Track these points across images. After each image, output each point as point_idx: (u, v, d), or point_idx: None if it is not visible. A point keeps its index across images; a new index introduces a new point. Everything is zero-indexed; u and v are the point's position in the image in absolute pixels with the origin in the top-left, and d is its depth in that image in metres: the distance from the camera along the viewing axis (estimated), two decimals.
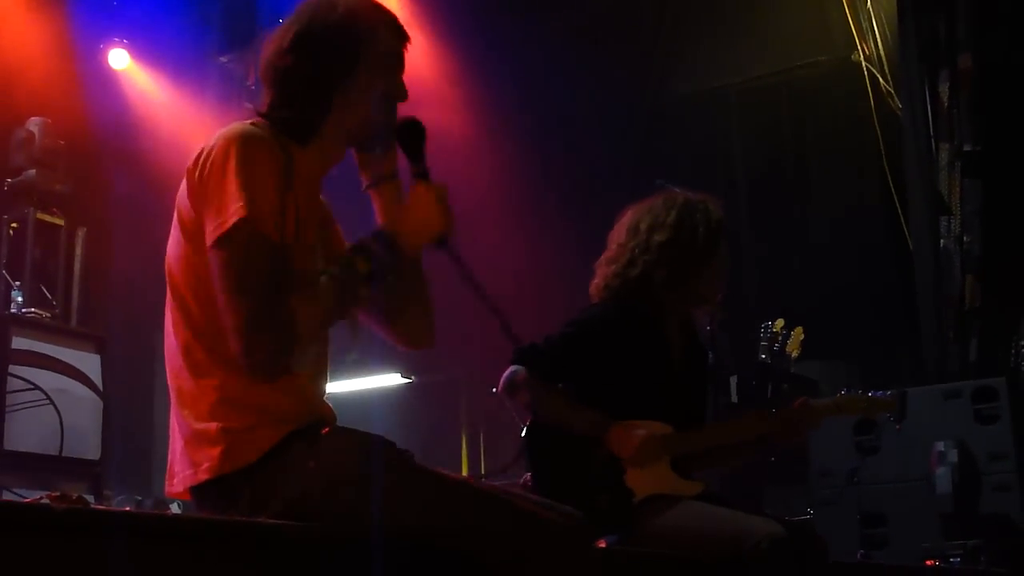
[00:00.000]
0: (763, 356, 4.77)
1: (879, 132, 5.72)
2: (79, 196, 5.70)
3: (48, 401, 4.65)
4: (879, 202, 5.84)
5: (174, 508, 4.64)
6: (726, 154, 6.54)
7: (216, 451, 1.72)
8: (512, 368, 2.63)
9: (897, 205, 5.56)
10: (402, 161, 1.95)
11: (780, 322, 4.82)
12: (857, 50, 5.86)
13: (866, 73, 5.79)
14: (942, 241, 5.05)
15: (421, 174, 1.89)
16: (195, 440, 1.75)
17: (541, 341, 2.65)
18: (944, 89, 5.12)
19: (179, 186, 1.82)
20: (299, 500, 1.70)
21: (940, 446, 4.11)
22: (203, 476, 1.73)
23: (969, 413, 4.17)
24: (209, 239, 1.72)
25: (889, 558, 4.14)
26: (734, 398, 4.76)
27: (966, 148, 5.02)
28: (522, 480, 2.67)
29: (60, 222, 5.49)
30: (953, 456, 4.07)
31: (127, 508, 4.58)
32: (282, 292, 1.71)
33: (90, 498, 4.49)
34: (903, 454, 4.20)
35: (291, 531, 1.67)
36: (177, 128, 6.49)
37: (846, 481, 4.28)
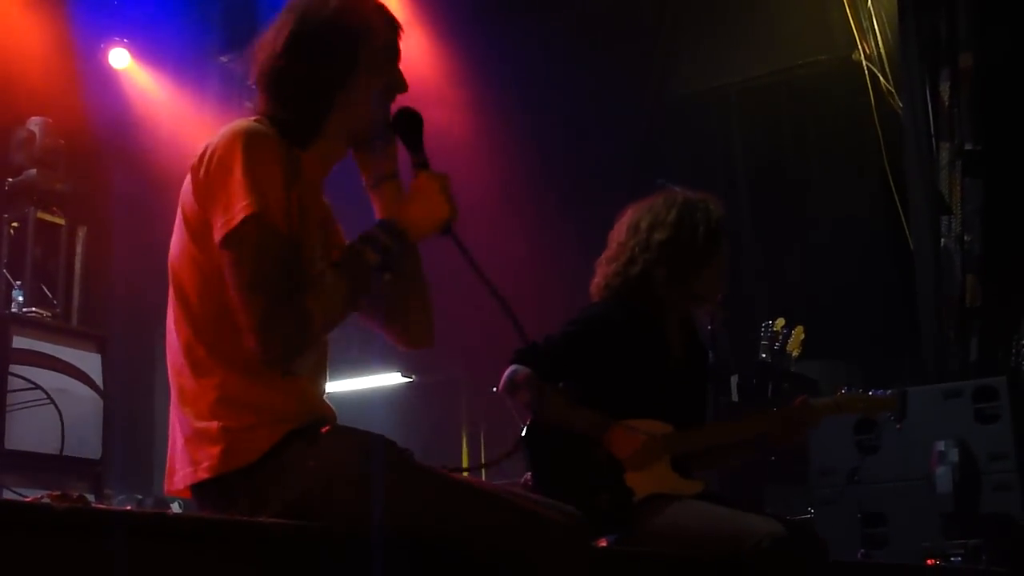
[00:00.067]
0: (763, 355, 4.77)
1: (880, 131, 5.71)
2: (80, 195, 5.70)
3: (49, 400, 4.65)
4: (880, 201, 5.83)
5: (175, 507, 4.64)
6: (726, 153, 6.54)
7: (216, 450, 1.72)
8: (512, 367, 2.63)
9: (898, 204, 5.56)
10: (402, 157, 1.95)
11: (781, 321, 4.82)
12: (858, 49, 5.86)
13: (867, 72, 5.79)
14: (943, 240, 5.05)
15: (422, 164, 1.89)
16: (195, 438, 1.75)
17: (541, 340, 2.65)
18: (945, 88, 5.12)
19: (181, 184, 1.82)
20: (299, 499, 1.70)
21: (940, 445, 4.11)
22: (203, 475, 1.73)
23: (969, 412, 4.17)
24: (218, 236, 1.71)
25: (889, 557, 4.14)
26: (735, 397, 4.76)
27: (967, 147, 5.02)
28: (522, 479, 2.67)
29: (61, 221, 5.49)
30: (953, 455, 4.07)
31: (128, 507, 4.57)
32: (295, 286, 1.71)
33: (91, 497, 4.49)
34: (903, 453, 4.20)
35: (291, 530, 1.67)
36: (177, 127, 6.49)
37: (846, 480, 4.27)
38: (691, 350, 2.85)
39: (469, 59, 6.57)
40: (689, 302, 2.81)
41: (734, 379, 4.81)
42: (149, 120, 6.62)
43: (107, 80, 6.52)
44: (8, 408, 4.49)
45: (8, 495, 4.33)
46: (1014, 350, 4.71)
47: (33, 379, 4.61)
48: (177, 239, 1.82)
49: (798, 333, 4.80)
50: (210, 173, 1.75)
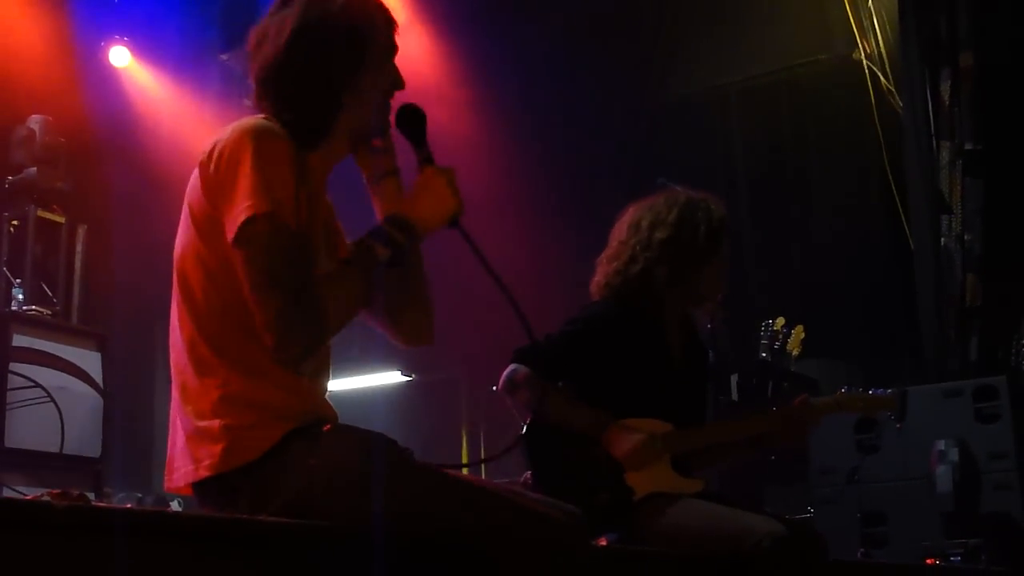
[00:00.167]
0: (764, 354, 4.77)
1: (880, 130, 5.71)
2: (80, 194, 5.70)
3: (49, 399, 4.65)
4: (880, 200, 5.84)
5: (174, 505, 4.65)
6: (727, 153, 6.54)
7: (218, 448, 1.72)
8: (512, 366, 2.63)
9: (898, 203, 5.56)
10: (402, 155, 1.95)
11: (781, 320, 4.82)
12: (858, 48, 5.86)
13: (867, 71, 5.79)
14: (943, 240, 5.05)
15: (427, 158, 1.89)
16: (197, 436, 1.75)
17: (541, 339, 2.65)
18: (945, 87, 5.12)
19: (182, 182, 1.81)
20: (300, 498, 1.70)
21: (940, 445, 4.11)
22: (204, 473, 1.73)
23: (970, 412, 4.17)
24: (230, 234, 1.71)
25: (889, 557, 4.14)
26: (735, 396, 4.76)
27: (967, 146, 5.02)
28: (522, 479, 2.67)
29: (61, 220, 5.49)
30: (953, 455, 4.07)
31: (128, 505, 4.57)
32: (309, 282, 1.71)
33: (91, 495, 4.49)
34: (903, 453, 4.20)
35: (292, 528, 1.67)
36: (178, 125, 6.49)
37: (846, 479, 4.28)
38: (691, 349, 2.85)
39: (469, 59, 6.57)
40: (690, 301, 2.82)
41: (734, 378, 4.81)
42: (149, 118, 6.62)
43: (107, 78, 6.52)
44: (8, 406, 4.48)
45: (8, 493, 4.33)
46: (1014, 349, 4.71)
47: (33, 377, 4.61)
48: (183, 236, 1.81)
49: (798, 332, 4.80)
50: (220, 171, 1.74)
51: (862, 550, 4.16)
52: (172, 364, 1.83)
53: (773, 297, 5.73)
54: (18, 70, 5.68)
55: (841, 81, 6.02)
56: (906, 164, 5.41)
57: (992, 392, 4.17)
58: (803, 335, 4.80)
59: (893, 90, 5.69)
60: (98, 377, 4.90)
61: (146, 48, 6.61)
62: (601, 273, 2.80)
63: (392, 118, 1.92)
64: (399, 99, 1.94)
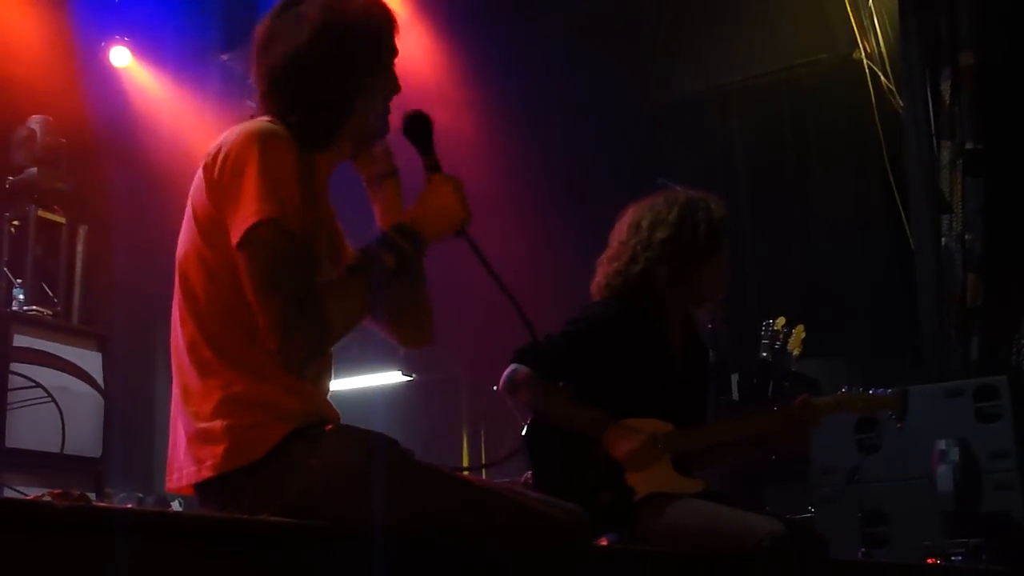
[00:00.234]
0: (764, 354, 4.77)
1: (880, 130, 5.71)
2: (80, 194, 5.70)
3: (50, 399, 4.65)
4: (880, 200, 5.83)
5: (175, 505, 4.65)
6: (727, 152, 6.53)
7: (220, 449, 1.72)
8: (513, 366, 2.63)
9: (898, 203, 5.55)
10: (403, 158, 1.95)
11: (781, 320, 4.82)
12: (858, 48, 5.86)
13: (867, 71, 5.79)
14: (943, 239, 5.05)
15: (434, 166, 1.89)
16: (199, 437, 1.75)
17: (542, 339, 2.65)
18: (946, 87, 5.11)
19: (182, 182, 1.82)
20: (301, 497, 1.70)
21: (941, 444, 4.11)
22: (206, 473, 1.73)
23: (970, 411, 4.17)
24: (234, 238, 1.71)
25: (890, 556, 4.14)
26: (735, 396, 4.76)
27: (968, 146, 5.02)
28: (523, 479, 2.67)
29: (61, 220, 5.49)
30: (954, 454, 4.07)
31: (129, 505, 4.58)
32: (312, 288, 1.71)
33: (92, 496, 4.49)
34: (904, 452, 4.20)
35: (293, 529, 1.67)
36: (178, 126, 6.49)
37: (847, 479, 4.27)
38: (692, 349, 2.85)
39: (469, 58, 6.57)
40: (690, 301, 2.82)
41: (735, 378, 4.81)
42: (150, 118, 6.61)
43: (108, 78, 6.52)
44: (9, 406, 4.49)
45: (9, 493, 4.33)
46: (1015, 349, 4.71)
47: (34, 377, 4.61)
48: (186, 237, 1.81)
49: (799, 332, 4.80)
50: (225, 174, 1.74)
51: (863, 550, 4.16)
52: (173, 365, 1.83)
53: (773, 297, 5.72)
54: (19, 70, 5.68)
55: (841, 81, 6.02)
56: (907, 163, 5.41)
57: (993, 392, 4.17)
58: (804, 335, 4.80)
59: (893, 89, 5.69)
60: (99, 377, 4.90)
61: (146, 48, 6.61)
62: (601, 274, 2.80)
63: (400, 124, 1.91)
64: (399, 104, 1.94)
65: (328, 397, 1.90)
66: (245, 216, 1.69)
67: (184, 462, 1.78)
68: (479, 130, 6.45)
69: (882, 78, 5.76)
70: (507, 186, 6.25)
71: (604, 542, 2.49)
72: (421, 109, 1.92)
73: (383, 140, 1.95)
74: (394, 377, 6.90)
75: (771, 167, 6.39)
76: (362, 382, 6.64)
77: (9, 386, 4.51)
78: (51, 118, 5.54)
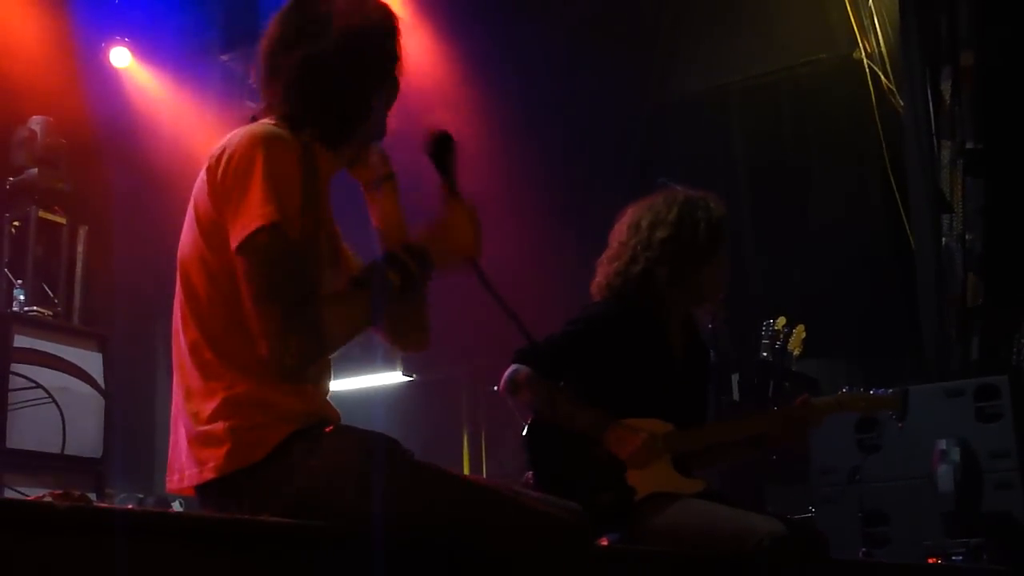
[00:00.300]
0: (765, 354, 4.77)
1: (880, 130, 5.71)
2: (81, 194, 5.70)
3: (50, 399, 4.65)
4: (880, 200, 5.83)
5: (176, 506, 4.65)
6: (727, 152, 6.53)
7: (222, 450, 1.72)
8: (513, 367, 2.63)
9: (899, 203, 5.55)
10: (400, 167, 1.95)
11: (782, 320, 4.82)
12: (859, 48, 5.86)
13: (868, 71, 5.79)
14: (944, 239, 5.05)
15: (453, 190, 1.88)
16: (201, 439, 1.75)
17: (542, 340, 2.65)
18: (946, 86, 5.11)
19: (182, 183, 1.82)
20: (302, 498, 1.71)
21: (942, 444, 4.11)
22: (208, 475, 1.73)
23: (971, 411, 4.17)
24: (234, 242, 1.71)
25: (891, 556, 4.14)
26: (736, 396, 4.76)
27: (968, 146, 5.02)
28: (523, 478, 2.67)
29: (62, 220, 5.49)
30: (955, 454, 4.07)
31: (129, 506, 4.58)
32: (310, 296, 1.71)
33: (92, 496, 4.49)
34: (905, 452, 4.20)
35: (293, 529, 1.67)
36: (179, 126, 6.49)
37: (848, 479, 4.27)
38: (692, 349, 2.85)
39: (469, 58, 6.57)
40: (691, 301, 2.82)
41: (735, 378, 4.81)
42: (150, 119, 6.61)
43: (108, 79, 6.52)
44: (9, 407, 4.48)
45: (10, 494, 4.33)
46: (1015, 349, 4.71)
47: (34, 378, 4.61)
48: (188, 238, 1.81)
49: (799, 332, 4.80)
50: (227, 176, 1.74)
51: (863, 550, 4.16)
52: (175, 366, 1.83)
53: (773, 297, 5.72)
54: (19, 71, 5.68)
55: (842, 80, 6.02)
56: (907, 163, 5.41)
57: (993, 391, 4.17)
58: (804, 334, 4.80)
59: (894, 89, 5.69)
60: (99, 378, 4.90)
61: (147, 49, 6.61)
62: (602, 274, 2.80)
63: (425, 143, 1.90)
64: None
65: (328, 397, 1.90)
66: (246, 221, 1.69)
67: (185, 463, 1.78)
68: (479, 130, 6.45)
69: (882, 78, 5.76)
70: (507, 186, 6.25)
71: (604, 542, 2.49)
72: (446, 130, 1.91)
73: (379, 144, 1.96)
74: (394, 377, 6.90)
75: (771, 167, 6.39)
76: (362, 382, 6.64)
77: (10, 387, 4.51)
78: (51, 119, 5.54)
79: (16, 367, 4.57)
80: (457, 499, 1.73)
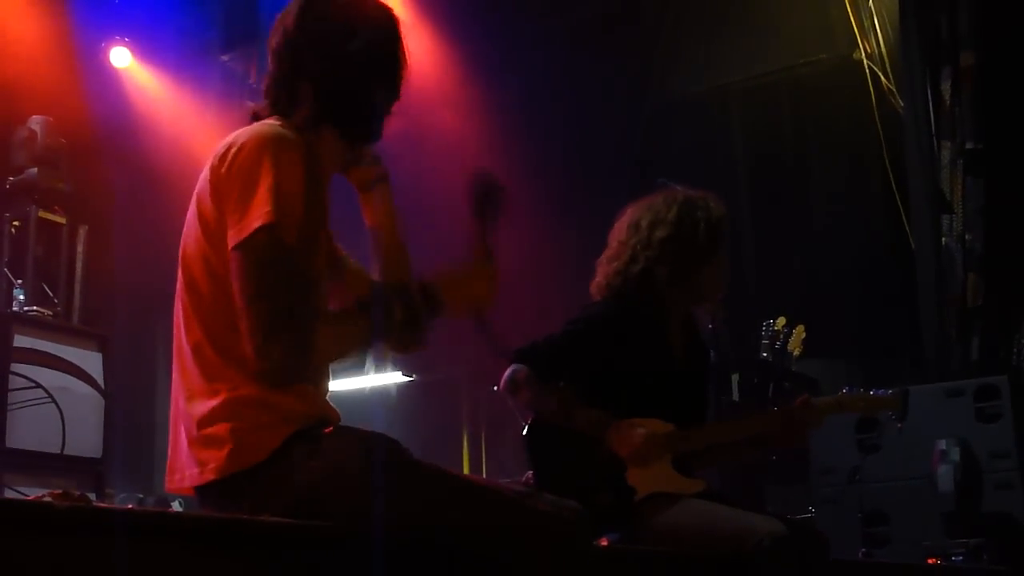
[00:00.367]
0: (764, 354, 4.77)
1: (881, 130, 5.71)
2: (81, 194, 5.70)
3: (50, 399, 4.65)
4: (881, 200, 5.83)
5: (176, 506, 4.65)
6: (727, 152, 6.53)
7: (223, 452, 1.72)
8: (513, 367, 2.63)
9: (899, 203, 5.55)
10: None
11: (782, 320, 4.82)
12: (859, 48, 5.86)
13: (868, 71, 5.79)
14: (944, 239, 5.05)
15: (485, 243, 1.88)
16: (202, 440, 1.74)
17: (542, 340, 2.65)
18: (946, 87, 5.11)
19: (184, 182, 1.82)
20: (302, 498, 1.70)
21: (942, 444, 4.10)
22: (210, 476, 1.73)
23: (971, 411, 4.16)
24: (232, 241, 1.71)
25: (891, 556, 4.14)
26: (736, 396, 4.76)
27: (968, 146, 5.02)
28: (523, 478, 2.67)
29: (62, 220, 5.49)
30: (955, 454, 4.07)
31: (129, 506, 4.58)
32: (302, 302, 1.70)
33: (92, 496, 4.49)
34: (905, 452, 4.19)
35: (293, 529, 1.67)
36: (179, 126, 6.49)
37: (848, 479, 4.27)
38: (692, 349, 2.85)
39: (470, 59, 6.57)
40: (691, 301, 2.81)
41: (735, 378, 4.81)
42: (150, 119, 6.62)
43: (108, 79, 6.52)
44: (9, 407, 4.48)
45: (9, 494, 4.33)
46: (1015, 349, 4.71)
47: (34, 378, 4.61)
48: (192, 238, 1.80)
49: (799, 332, 4.80)
50: (231, 174, 1.74)
51: (863, 550, 4.16)
52: (176, 365, 1.83)
53: (773, 297, 5.72)
54: (19, 71, 5.68)
55: (842, 81, 6.02)
56: (907, 163, 5.41)
57: (994, 392, 4.17)
58: (804, 335, 4.80)
59: (894, 90, 5.69)
60: (99, 377, 4.90)
61: (147, 49, 6.61)
62: (601, 274, 2.80)
63: (472, 186, 1.92)
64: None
65: (328, 397, 1.90)
66: (247, 220, 1.69)
67: (186, 463, 1.78)
68: (479, 130, 6.45)
69: (882, 78, 5.76)
70: (507, 186, 6.25)
71: (604, 542, 2.49)
72: (495, 178, 1.91)
73: (372, 145, 1.97)
74: (394, 377, 6.90)
75: (771, 167, 6.39)
76: (362, 382, 6.64)
77: (9, 387, 4.51)
78: (51, 119, 5.54)
79: (16, 367, 4.57)
80: (457, 499, 1.73)
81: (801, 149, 6.36)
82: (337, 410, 1.87)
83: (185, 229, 1.83)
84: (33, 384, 4.60)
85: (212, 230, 1.76)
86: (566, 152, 6.48)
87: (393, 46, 1.90)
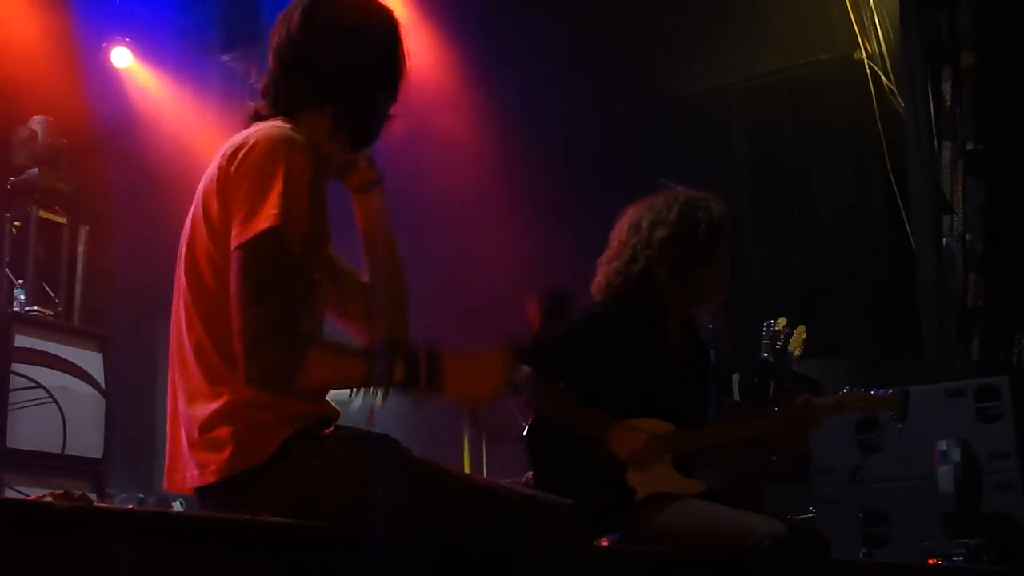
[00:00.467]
0: (765, 354, 4.77)
1: (881, 130, 5.71)
2: (81, 194, 5.70)
3: (51, 399, 4.65)
4: (881, 200, 5.84)
5: (176, 505, 4.65)
6: (728, 153, 6.54)
7: (225, 454, 1.71)
8: None
9: (899, 203, 5.55)
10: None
11: (782, 320, 4.82)
12: (859, 48, 5.86)
13: (868, 71, 5.79)
14: (944, 239, 5.05)
15: (517, 346, 1.84)
16: (204, 442, 1.74)
17: (542, 340, 2.65)
18: (947, 87, 5.11)
19: (185, 182, 1.82)
20: (302, 498, 1.71)
21: (942, 445, 4.10)
22: (210, 478, 1.73)
23: (971, 412, 4.16)
24: (235, 240, 1.70)
25: (891, 557, 4.14)
26: (736, 396, 4.76)
27: (969, 146, 5.02)
28: (523, 478, 2.67)
29: (63, 220, 5.49)
30: (955, 455, 4.07)
31: (130, 506, 4.58)
32: (299, 311, 1.69)
33: (93, 496, 4.49)
34: (905, 453, 4.19)
35: (293, 529, 1.67)
36: (179, 126, 6.49)
37: (848, 480, 4.27)
38: (692, 349, 2.85)
39: (470, 59, 6.57)
40: (691, 301, 2.81)
41: (735, 378, 4.81)
42: (151, 119, 6.61)
43: (109, 79, 6.52)
44: (10, 407, 4.49)
45: (10, 494, 4.33)
46: (1016, 349, 4.71)
47: (35, 378, 4.61)
48: (198, 237, 1.79)
49: (799, 332, 4.80)
50: (240, 173, 1.73)
51: (864, 550, 4.16)
52: (176, 366, 1.82)
53: (774, 297, 5.72)
54: (20, 71, 5.68)
55: (842, 81, 6.02)
56: (907, 164, 5.41)
57: (994, 392, 4.17)
58: (804, 335, 4.80)
59: (894, 90, 5.69)
60: (100, 378, 4.91)
61: (148, 49, 6.61)
62: (602, 274, 2.80)
63: (545, 295, 1.91)
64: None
65: (328, 397, 1.90)
66: (254, 222, 1.68)
67: (186, 464, 1.78)
68: (479, 130, 6.45)
69: (883, 78, 5.76)
70: (508, 186, 6.25)
71: (604, 542, 2.49)
72: (569, 292, 1.91)
73: (369, 148, 1.97)
74: None
75: (772, 167, 6.39)
76: None
77: (10, 387, 4.51)
78: (52, 119, 5.54)
79: (17, 367, 4.57)
80: (457, 498, 1.73)
81: (801, 149, 6.36)
82: (338, 409, 1.87)
83: (188, 228, 1.82)
84: (34, 384, 4.61)
85: (217, 229, 1.75)
86: (566, 152, 6.48)
87: (394, 48, 1.90)
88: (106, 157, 6.43)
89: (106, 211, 6.36)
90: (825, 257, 6.01)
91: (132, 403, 6.10)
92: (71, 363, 4.80)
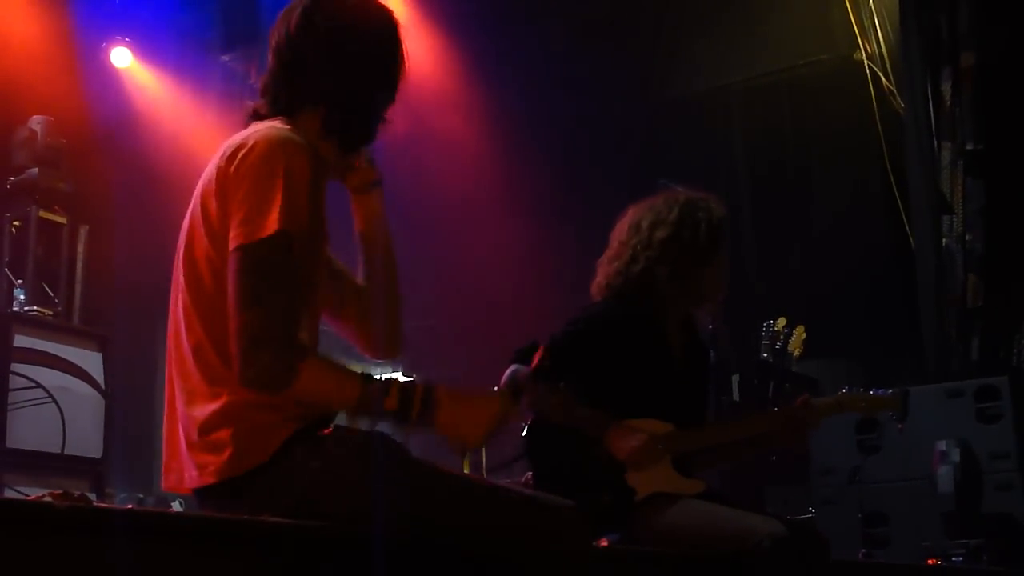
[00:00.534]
0: (765, 355, 4.77)
1: (881, 131, 5.71)
2: (81, 194, 5.70)
3: (50, 399, 4.65)
4: (881, 201, 5.84)
5: (175, 505, 4.65)
6: (728, 153, 6.54)
7: (224, 455, 1.71)
8: (513, 366, 2.63)
9: (899, 204, 5.56)
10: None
11: (782, 321, 4.82)
12: (859, 49, 5.86)
13: (868, 72, 5.79)
14: (944, 240, 5.05)
15: (516, 394, 1.85)
16: (203, 443, 1.74)
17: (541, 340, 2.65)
18: (946, 87, 5.12)
19: (185, 182, 1.81)
20: (302, 499, 1.70)
21: (942, 445, 4.11)
22: (209, 479, 1.73)
23: (971, 412, 4.17)
24: (234, 241, 1.70)
25: (891, 557, 4.14)
26: (736, 397, 4.76)
27: (968, 147, 5.02)
28: (523, 479, 2.67)
29: (62, 220, 5.49)
30: (955, 455, 4.07)
31: (129, 506, 4.58)
32: (297, 315, 1.69)
33: (92, 496, 4.49)
34: (905, 453, 4.20)
35: (293, 529, 1.67)
36: (179, 126, 6.49)
37: (848, 480, 4.27)
38: (692, 349, 2.85)
39: (470, 59, 6.57)
40: (691, 301, 2.81)
41: (735, 378, 4.81)
42: (151, 119, 6.61)
43: (109, 79, 6.52)
44: (10, 407, 4.49)
45: (10, 494, 4.33)
46: (1016, 349, 4.71)
47: (35, 378, 4.61)
48: (196, 236, 1.79)
49: (799, 333, 4.80)
50: (240, 174, 1.73)
51: (863, 551, 4.16)
52: (174, 366, 1.82)
53: (774, 297, 5.72)
54: (20, 71, 5.68)
55: (842, 81, 6.02)
56: (907, 164, 5.41)
57: (994, 392, 4.17)
58: (804, 335, 4.80)
59: (894, 90, 5.69)
60: (99, 378, 4.91)
61: (148, 49, 6.61)
62: (602, 274, 2.80)
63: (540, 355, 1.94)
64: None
65: None
66: (254, 224, 1.68)
67: (185, 465, 1.77)
68: (480, 130, 6.45)
69: (883, 79, 5.76)
70: (508, 186, 6.25)
71: (604, 542, 2.49)
72: None
73: (367, 149, 1.97)
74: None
75: (772, 167, 6.40)
76: None
77: (10, 386, 4.51)
78: (52, 118, 5.54)
79: (16, 367, 4.57)
80: (457, 499, 1.73)
81: (801, 149, 6.36)
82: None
83: (187, 228, 1.82)
84: (33, 384, 4.61)
85: (216, 230, 1.75)
86: (566, 152, 6.48)
87: (394, 49, 1.90)
88: (106, 157, 6.42)
89: (106, 211, 6.36)
90: (825, 257, 6.01)
91: (131, 403, 6.10)
92: (71, 363, 4.80)
